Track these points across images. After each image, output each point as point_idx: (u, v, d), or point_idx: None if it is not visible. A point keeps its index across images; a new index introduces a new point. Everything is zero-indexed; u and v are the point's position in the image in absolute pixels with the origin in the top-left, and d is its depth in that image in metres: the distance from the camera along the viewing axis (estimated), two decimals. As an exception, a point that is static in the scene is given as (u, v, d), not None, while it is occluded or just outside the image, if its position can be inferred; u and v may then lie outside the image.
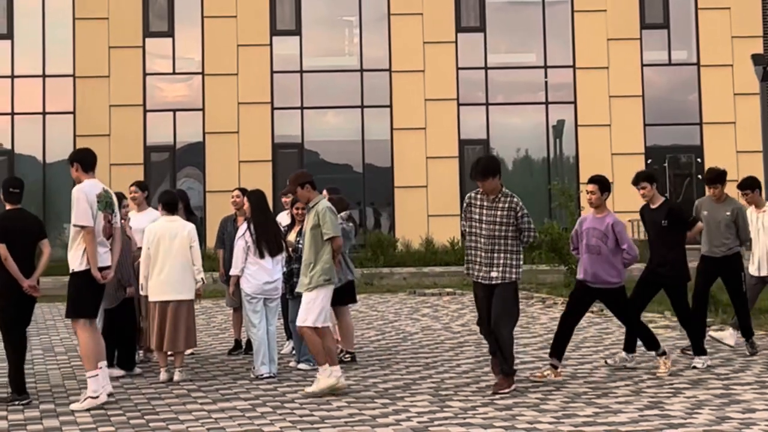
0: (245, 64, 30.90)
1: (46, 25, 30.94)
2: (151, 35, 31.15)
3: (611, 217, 11.48)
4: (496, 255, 10.69)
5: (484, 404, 10.11)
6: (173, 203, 12.08)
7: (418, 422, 9.35)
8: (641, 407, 9.82)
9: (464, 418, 9.48)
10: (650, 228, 12.33)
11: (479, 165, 10.96)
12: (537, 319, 16.91)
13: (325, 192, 13.51)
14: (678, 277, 12.07)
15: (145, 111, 30.91)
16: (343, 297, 12.88)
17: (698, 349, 12.07)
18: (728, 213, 12.84)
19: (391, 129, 31.17)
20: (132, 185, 13.55)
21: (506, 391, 10.51)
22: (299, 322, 10.86)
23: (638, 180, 12.24)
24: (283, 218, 13.61)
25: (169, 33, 31.23)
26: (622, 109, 31.26)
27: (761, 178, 24.81)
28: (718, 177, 12.98)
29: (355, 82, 31.54)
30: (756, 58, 23.73)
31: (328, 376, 10.63)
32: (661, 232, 12.09)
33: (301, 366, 12.32)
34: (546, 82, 31.90)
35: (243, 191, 13.57)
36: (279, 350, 13.03)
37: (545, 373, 11.32)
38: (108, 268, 10.46)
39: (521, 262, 10.79)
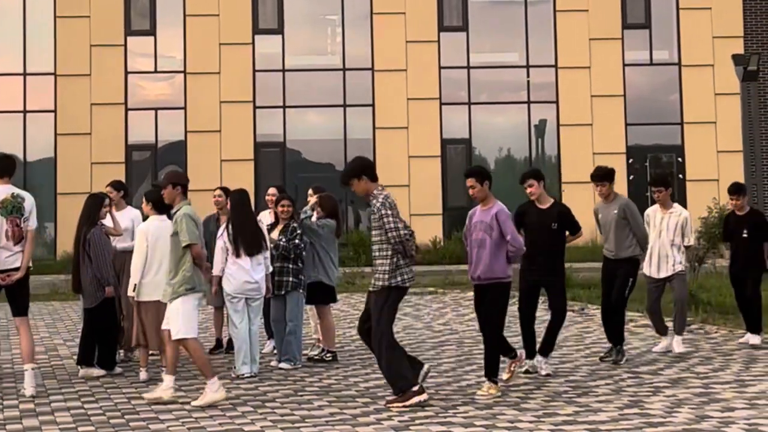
0: (227, 63, 30.83)
1: (27, 23, 30.79)
2: (133, 33, 31.04)
3: (497, 207, 10.74)
4: (375, 262, 10.34)
5: (464, 403, 10.13)
6: (163, 202, 12.03)
7: (399, 421, 9.35)
8: (621, 406, 9.86)
9: (445, 417, 9.49)
10: (535, 229, 11.66)
11: (344, 169, 10.62)
12: (518, 318, 16.88)
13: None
14: (559, 277, 11.81)
15: (127, 109, 30.80)
16: (323, 296, 12.90)
17: (616, 339, 12.45)
18: (615, 211, 12.38)
19: (374, 128, 31.15)
20: (107, 185, 13.49)
21: (398, 405, 9.93)
22: (174, 335, 10.46)
23: (525, 178, 11.79)
24: (266, 217, 13.60)
25: (151, 31, 31.13)
26: (604, 108, 31.32)
27: (741, 178, 24.97)
28: (605, 175, 12.46)
29: (338, 81, 31.51)
30: (737, 59, 23.86)
31: (215, 390, 10.24)
32: (549, 234, 11.59)
33: (283, 365, 12.33)
34: (528, 82, 31.93)
35: (225, 190, 13.55)
36: (260, 349, 13.01)
37: (505, 377, 11.11)
38: (16, 269, 10.62)
39: (391, 267, 10.14)
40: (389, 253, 10.15)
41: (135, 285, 11.63)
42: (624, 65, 31.69)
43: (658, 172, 13.54)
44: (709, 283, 19.72)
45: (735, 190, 14.30)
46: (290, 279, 12.43)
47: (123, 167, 29.87)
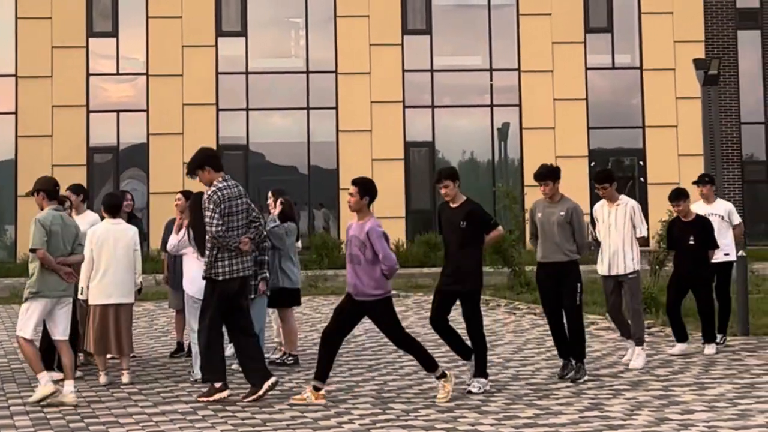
0: (190, 65, 30.71)
1: (-13, 24, 30.56)
2: (95, 35, 30.86)
3: (369, 224, 10.37)
4: None
5: (426, 406, 10.14)
6: (116, 206, 11.99)
7: (360, 425, 9.36)
8: (582, 408, 9.90)
9: (406, 421, 9.51)
10: (447, 228, 11.15)
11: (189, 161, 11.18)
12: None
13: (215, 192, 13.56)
14: (473, 288, 10.98)
15: (89, 111, 30.60)
16: (285, 300, 12.87)
17: (578, 354, 11.59)
18: (562, 213, 11.62)
19: (337, 131, 31.14)
20: (67, 189, 13.40)
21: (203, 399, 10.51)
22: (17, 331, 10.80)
23: (440, 178, 11.19)
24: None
25: (113, 33, 30.96)
26: (566, 112, 31.46)
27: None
28: (549, 173, 11.72)
29: (301, 83, 31.47)
30: (697, 63, 23.99)
31: (44, 384, 10.48)
32: (458, 234, 10.96)
33: (234, 367, 12.29)
34: (491, 85, 32.02)
35: (186, 194, 13.48)
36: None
37: (305, 396, 10.37)
38: None
39: (210, 260, 10.64)
40: (209, 245, 10.63)
41: (82, 288, 11.78)
42: (586, 69, 31.84)
43: (600, 169, 12.98)
44: (670, 285, 19.80)
45: (674, 196, 13.50)
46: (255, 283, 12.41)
47: (85, 170, 29.69)
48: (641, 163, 31.67)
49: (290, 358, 12.80)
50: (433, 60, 31.76)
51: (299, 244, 13.80)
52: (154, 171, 30.28)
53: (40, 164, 29.20)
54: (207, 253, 10.63)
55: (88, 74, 30.70)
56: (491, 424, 9.29)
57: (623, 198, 12.63)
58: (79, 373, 12.05)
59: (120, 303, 11.69)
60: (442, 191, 11.18)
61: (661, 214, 23.82)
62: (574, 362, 11.59)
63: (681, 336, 13.36)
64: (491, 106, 31.92)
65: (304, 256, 26.95)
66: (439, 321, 11.15)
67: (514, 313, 17.81)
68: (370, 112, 31.03)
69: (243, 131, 31.16)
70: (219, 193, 10.57)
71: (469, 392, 10.71)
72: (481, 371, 10.93)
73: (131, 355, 12.67)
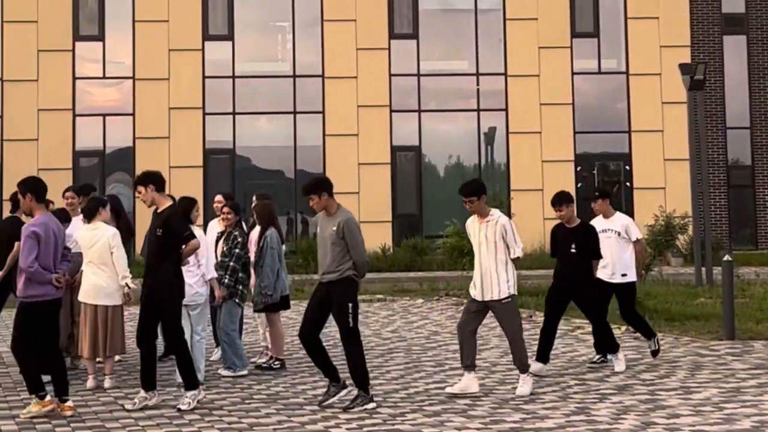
0: (177, 69, 30.67)
1: (-27, 28, 30.47)
2: (81, 39, 30.79)
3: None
4: None
5: (412, 410, 10.15)
6: (89, 210, 11.97)
7: (347, 429, 9.36)
8: (568, 413, 9.92)
9: (393, 425, 9.51)
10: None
11: None
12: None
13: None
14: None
15: (75, 115, 30.55)
16: (272, 304, 12.85)
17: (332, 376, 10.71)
18: (334, 228, 10.51)
19: (324, 135, 31.13)
20: (68, 190, 13.42)
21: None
22: None
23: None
24: (215, 226, 13.52)
25: (100, 37, 30.91)
26: (553, 116, 31.51)
27: (687, 185, 25.26)
28: (317, 186, 10.74)
29: (288, 87, 31.46)
30: (683, 68, 24.11)
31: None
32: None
33: (223, 372, 12.29)
34: (478, 90, 32.06)
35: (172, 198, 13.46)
36: (208, 357, 12.95)
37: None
38: None
39: None
40: None
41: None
42: (572, 73, 31.89)
43: (468, 181, 11.03)
44: (655, 290, 19.90)
45: (555, 201, 12.51)
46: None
47: (70, 173, 29.62)
48: (627, 167, 31.73)
49: (276, 363, 12.80)
50: (419, 64, 31.79)
51: (284, 247, 13.78)
52: (141, 175, 30.17)
53: (26, 168, 29.02)
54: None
55: (74, 78, 30.64)
56: (478, 429, 9.30)
57: (494, 213, 11.25)
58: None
59: (101, 305, 11.66)
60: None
61: (647, 218, 23.92)
62: (350, 388, 10.51)
63: (540, 356, 12.22)
64: (478, 110, 31.95)
65: (290, 260, 26.94)
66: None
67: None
68: (356, 116, 31.03)
69: (230, 135, 31.13)
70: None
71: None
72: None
73: (117, 359, 12.65)
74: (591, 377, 11.93)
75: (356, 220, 10.79)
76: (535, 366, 11.75)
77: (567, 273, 12.32)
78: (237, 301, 12.48)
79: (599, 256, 12.44)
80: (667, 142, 31.40)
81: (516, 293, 11.18)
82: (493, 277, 11.04)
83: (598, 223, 13.07)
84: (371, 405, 10.23)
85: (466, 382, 10.92)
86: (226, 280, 12.34)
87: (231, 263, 12.42)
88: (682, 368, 12.44)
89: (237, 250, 12.43)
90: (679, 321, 16.29)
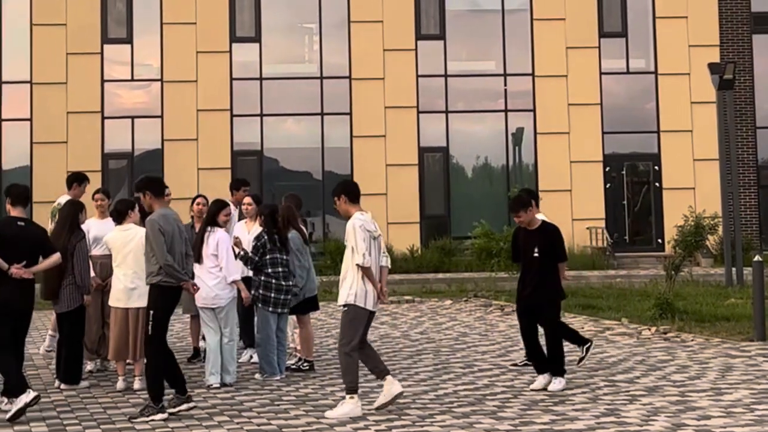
0: (204, 71, 30.78)
1: (3, 31, 30.67)
2: (110, 42, 30.96)
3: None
4: None
5: (441, 412, 10.12)
6: (120, 212, 12.01)
7: (376, 430, 9.34)
8: (598, 414, 9.87)
9: (422, 426, 9.49)
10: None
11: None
12: (495, 327, 16.94)
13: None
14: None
15: (103, 118, 30.72)
16: (302, 306, 12.84)
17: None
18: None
19: (351, 136, 31.16)
20: (98, 192, 13.48)
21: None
22: None
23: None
24: (241, 229, 13.51)
25: (128, 39, 31.06)
26: (581, 116, 31.42)
27: (717, 186, 25.10)
28: (146, 185, 10.89)
29: (315, 89, 31.51)
30: (713, 67, 23.99)
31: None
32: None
33: (256, 375, 12.27)
34: (505, 90, 32.01)
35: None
36: (237, 359, 12.96)
37: None
38: None
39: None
40: None
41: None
42: (600, 74, 31.80)
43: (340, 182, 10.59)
44: (686, 291, 19.80)
45: (513, 206, 11.79)
46: (253, 293, 12.41)
47: (99, 175, 29.76)
48: (656, 167, 31.58)
49: (305, 364, 12.78)
50: (447, 65, 31.76)
51: (310, 248, 13.75)
52: (169, 176, 30.24)
53: (55, 170, 29.33)
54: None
55: (103, 80, 30.81)
56: (507, 430, 9.26)
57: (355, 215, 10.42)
58: (84, 383, 11.93)
59: (133, 308, 11.65)
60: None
61: (676, 219, 23.77)
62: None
63: (541, 368, 11.47)
64: (505, 111, 31.91)
65: (319, 262, 26.98)
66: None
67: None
68: (384, 118, 31.05)
69: (257, 137, 31.22)
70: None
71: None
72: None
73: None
74: (621, 378, 11.86)
75: (158, 222, 10.35)
76: (540, 382, 11.28)
77: (530, 279, 11.51)
78: (262, 305, 12.38)
79: (565, 258, 11.74)
80: (696, 142, 31.25)
81: (355, 302, 10.23)
82: (342, 282, 10.43)
83: None
84: (159, 416, 9.95)
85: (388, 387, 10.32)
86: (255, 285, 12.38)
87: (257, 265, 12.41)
88: (712, 369, 12.36)
89: (259, 253, 12.35)
90: (710, 322, 16.20)
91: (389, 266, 10.73)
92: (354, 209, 10.46)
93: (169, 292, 10.36)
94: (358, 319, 10.26)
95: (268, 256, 12.33)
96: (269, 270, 12.32)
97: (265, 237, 12.41)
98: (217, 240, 11.91)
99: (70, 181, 13.99)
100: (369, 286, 10.25)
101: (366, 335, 10.46)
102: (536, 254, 11.44)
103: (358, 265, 10.16)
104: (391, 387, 10.25)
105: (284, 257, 12.41)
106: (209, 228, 12.11)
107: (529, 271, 11.53)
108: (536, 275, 11.44)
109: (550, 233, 11.58)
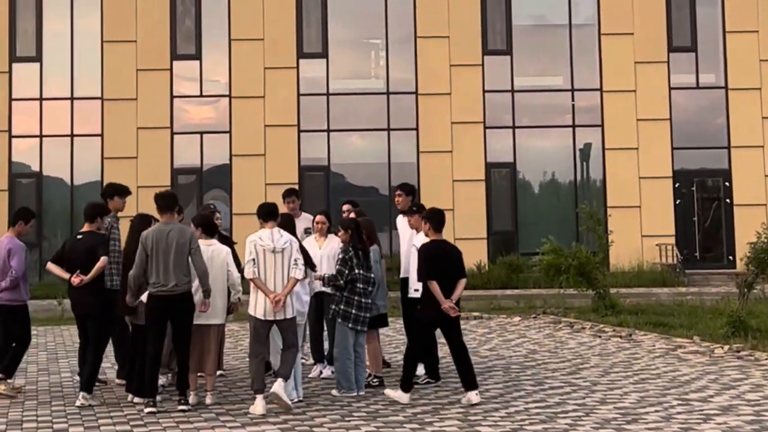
0: (272, 87, 30.99)
1: (74, 48, 31.14)
2: (179, 58, 31.29)
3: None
4: None
5: (513, 429, 10.05)
6: (212, 225, 12.11)
7: (448, 448, 9.29)
8: (673, 434, 9.74)
9: (494, 445, 9.42)
10: None
11: None
12: (565, 344, 16.79)
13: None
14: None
15: (173, 133, 31.03)
16: (373, 321, 12.77)
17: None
18: None
19: (418, 152, 31.18)
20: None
21: None
22: None
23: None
24: (311, 243, 13.52)
25: (197, 56, 31.37)
26: (650, 132, 31.15)
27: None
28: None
29: (382, 104, 31.57)
30: (785, 82, 23.63)
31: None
32: None
33: (333, 392, 12.22)
34: (573, 105, 31.84)
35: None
36: (306, 375, 12.96)
37: None
38: None
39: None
40: None
41: None
42: (670, 88, 31.52)
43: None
44: (758, 309, 19.49)
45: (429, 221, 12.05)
46: (334, 308, 12.38)
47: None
48: (727, 183, 31.19)
49: (375, 380, 12.74)
50: (513, 80, 31.67)
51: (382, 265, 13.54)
52: (237, 192, 30.56)
53: (125, 185, 29.57)
54: None
55: (172, 96, 31.12)
56: (581, 449, 9.17)
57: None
58: (159, 398, 11.98)
59: (208, 324, 11.70)
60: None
61: (747, 235, 23.45)
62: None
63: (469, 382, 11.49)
64: (573, 126, 31.72)
65: (387, 279, 26.95)
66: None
67: (600, 336, 17.59)
68: (450, 133, 31.02)
69: (324, 152, 31.33)
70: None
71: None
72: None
73: (218, 374, 12.74)
74: (694, 397, 11.69)
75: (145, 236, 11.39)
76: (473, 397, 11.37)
77: (449, 294, 11.72)
78: (342, 321, 12.29)
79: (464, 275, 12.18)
80: (767, 158, 30.84)
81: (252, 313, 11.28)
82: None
83: (418, 239, 12.56)
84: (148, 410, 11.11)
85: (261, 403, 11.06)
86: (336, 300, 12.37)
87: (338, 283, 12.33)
88: (788, 389, 12.14)
89: (347, 266, 12.27)
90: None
91: (298, 277, 11.31)
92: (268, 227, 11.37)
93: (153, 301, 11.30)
94: (252, 326, 11.33)
95: (356, 271, 12.29)
96: (356, 286, 12.27)
97: (351, 252, 12.34)
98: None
99: (110, 193, 13.99)
100: (261, 295, 11.15)
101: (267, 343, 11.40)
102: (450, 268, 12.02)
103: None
104: (256, 407, 11.02)
105: (367, 274, 12.36)
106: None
107: (447, 286, 11.85)
108: (452, 291, 11.99)
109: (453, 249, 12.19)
